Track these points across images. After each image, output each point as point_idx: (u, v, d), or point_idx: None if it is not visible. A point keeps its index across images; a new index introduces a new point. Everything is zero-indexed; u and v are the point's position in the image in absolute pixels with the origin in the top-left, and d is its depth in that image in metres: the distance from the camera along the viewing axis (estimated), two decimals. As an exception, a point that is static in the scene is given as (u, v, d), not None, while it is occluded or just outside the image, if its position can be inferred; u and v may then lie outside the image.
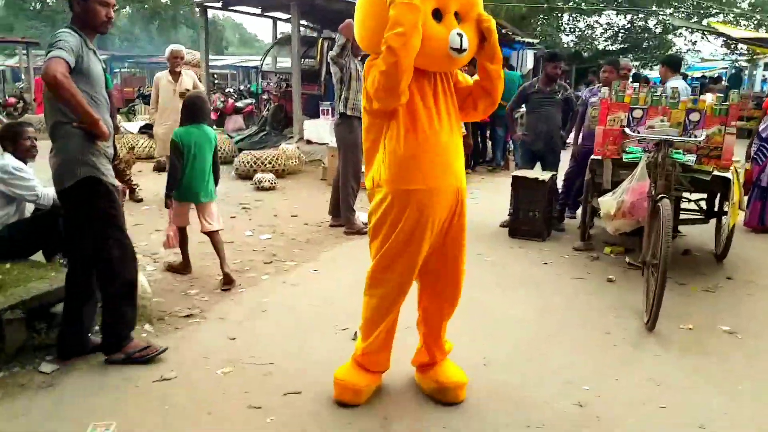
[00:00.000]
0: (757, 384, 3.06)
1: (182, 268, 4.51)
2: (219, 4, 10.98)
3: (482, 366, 3.11)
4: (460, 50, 2.36)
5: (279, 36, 13.40)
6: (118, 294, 3.04)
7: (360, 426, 2.57)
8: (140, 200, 6.80)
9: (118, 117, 7.38)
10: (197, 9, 11.42)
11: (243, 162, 8.38)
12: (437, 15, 2.36)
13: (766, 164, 5.78)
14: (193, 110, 4.33)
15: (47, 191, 3.68)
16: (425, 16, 2.30)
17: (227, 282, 4.19)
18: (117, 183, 3.11)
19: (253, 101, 14.75)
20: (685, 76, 10.54)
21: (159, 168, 8.79)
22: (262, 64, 14.26)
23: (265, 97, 14.18)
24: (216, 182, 4.45)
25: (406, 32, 2.21)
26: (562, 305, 4.08)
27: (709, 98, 4.66)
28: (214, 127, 5.24)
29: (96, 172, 2.90)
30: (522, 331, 3.63)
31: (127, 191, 6.75)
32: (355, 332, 3.17)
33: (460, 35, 2.35)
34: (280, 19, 12.84)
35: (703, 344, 3.52)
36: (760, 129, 5.97)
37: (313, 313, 3.79)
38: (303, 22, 11.74)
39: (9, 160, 3.65)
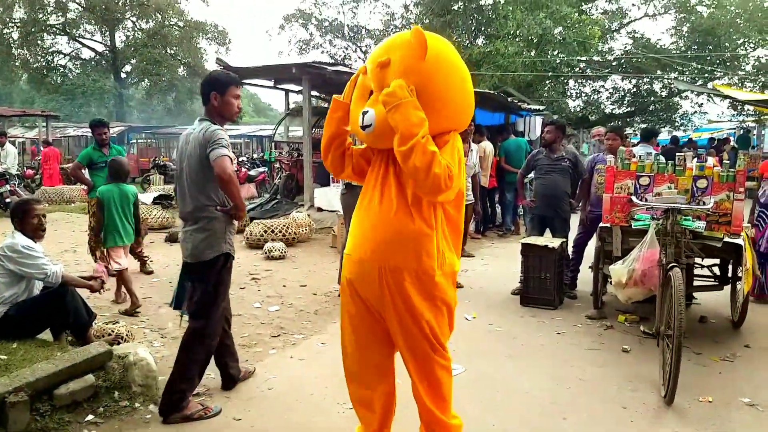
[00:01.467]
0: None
1: (133, 308, 5.26)
2: (232, 78, 11.33)
3: (494, 446, 3.01)
4: (363, 127, 2.40)
5: (291, 106, 13.76)
6: (200, 360, 3.38)
7: None
8: (150, 272, 6.82)
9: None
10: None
11: (253, 231, 8.44)
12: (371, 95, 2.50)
13: (767, 230, 5.66)
14: (114, 172, 5.55)
15: (56, 269, 3.71)
16: (357, 98, 2.53)
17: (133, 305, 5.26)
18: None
19: (266, 170, 15.02)
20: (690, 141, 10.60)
21: (171, 239, 8.88)
22: (274, 134, 14.59)
23: (277, 166, 14.43)
24: (137, 232, 5.69)
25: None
26: (575, 377, 3.97)
27: (710, 161, 4.68)
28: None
29: (231, 250, 3.43)
30: (533, 404, 3.53)
31: (138, 263, 6.86)
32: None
33: (364, 113, 2.39)
34: (292, 91, 13.21)
35: (723, 418, 3.39)
36: (759, 194, 5.94)
37: (320, 389, 3.72)
38: (314, 93, 12.05)
39: (19, 239, 3.70)
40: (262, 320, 5.14)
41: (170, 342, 4.56)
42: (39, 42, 33.02)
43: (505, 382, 3.86)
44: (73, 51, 35.54)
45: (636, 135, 22.08)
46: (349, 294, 2.61)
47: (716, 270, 5.31)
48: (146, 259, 6.92)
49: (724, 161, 4.95)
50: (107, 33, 34.70)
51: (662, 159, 5.06)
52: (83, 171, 6.59)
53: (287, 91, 13.29)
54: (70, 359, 3.33)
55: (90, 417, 3.22)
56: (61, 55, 35.33)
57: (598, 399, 3.64)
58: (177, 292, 3.55)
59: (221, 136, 3.23)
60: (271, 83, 12.16)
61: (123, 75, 36.57)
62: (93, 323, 3.97)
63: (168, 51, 34.46)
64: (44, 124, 19.96)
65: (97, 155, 6.48)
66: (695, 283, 5.29)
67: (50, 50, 34.57)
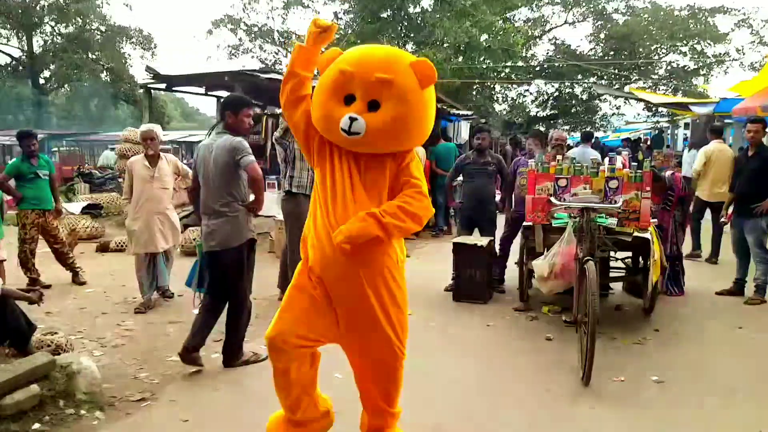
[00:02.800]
0: (681, 429, 3.31)
1: None
2: (163, 86, 11.21)
3: (434, 430, 3.25)
4: (349, 132, 2.48)
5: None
6: (245, 321, 4.24)
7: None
8: (83, 283, 6.71)
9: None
10: (140, 90, 11.60)
11: (189, 239, 8.41)
12: (349, 99, 2.54)
13: (668, 235, 6.07)
14: None
15: (-6, 282, 3.70)
16: (331, 95, 2.54)
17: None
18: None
19: (198, 176, 14.82)
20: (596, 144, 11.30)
21: (102, 248, 8.72)
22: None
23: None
24: None
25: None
26: (505, 366, 4.30)
27: (618, 162, 5.14)
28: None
29: (254, 235, 4.23)
30: (466, 392, 3.81)
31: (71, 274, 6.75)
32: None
33: (353, 119, 2.46)
34: (224, 97, 13.13)
35: (634, 394, 3.78)
36: None
37: (265, 388, 3.85)
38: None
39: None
40: (203, 326, 5.20)
41: (110, 351, 4.58)
42: (-50, 47, 31.24)
43: (440, 373, 4.12)
44: (-13, 56, 33.77)
45: (573, 136, 23.17)
46: (310, 280, 2.65)
47: (629, 262, 5.79)
48: (79, 270, 6.81)
49: (641, 159, 5.37)
50: (24, 38, 33.11)
51: (578, 162, 5.49)
52: (10, 182, 6.43)
53: (218, 98, 13.21)
54: (13, 370, 3.35)
55: (36, 426, 3.25)
56: (-26, 61, 33.51)
57: (524, 384, 3.96)
58: (199, 274, 4.36)
59: (247, 146, 4.05)
60: (202, 90, 12.09)
61: (41, 81, 34.98)
62: (33, 334, 3.96)
63: (90, 56, 33.24)
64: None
65: (26, 167, 6.35)
66: (611, 274, 5.75)
67: (-38, 55, 32.74)
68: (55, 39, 33.40)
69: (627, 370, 4.16)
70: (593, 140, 7.16)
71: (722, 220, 6.69)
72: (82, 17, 32.35)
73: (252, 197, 4.27)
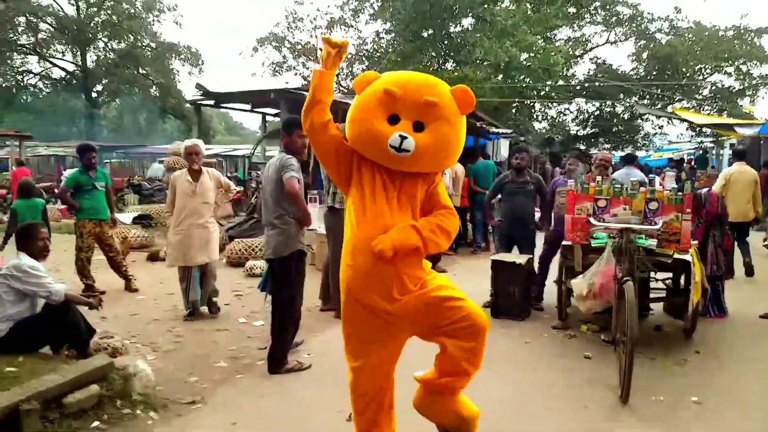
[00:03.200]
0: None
1: None
2: (211, 102, 11.64)
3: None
4: (399, 149, 2.61)
5: (267, 128, 14.06)
6: (290, 329, 4.51)
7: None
8: (135, 290, 7.02)
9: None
10: (190, 106, 12.07)
11: (234, 250, 8.69)
12: (394, 119, 2.68)
13: (707, 254, 6.02)
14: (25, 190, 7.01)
15: (59, 287, 3.96)
16: (375, 114, 2.66)
17: None
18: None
19: (241, 188, 15.24)
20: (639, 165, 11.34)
21: (152, 258, 9.06)
22: (252, 155, 14.88)
23: (254, 185, 14.67)
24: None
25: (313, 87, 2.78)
26: (542, 382, 4.35)
27: (657, 183, 5.18)
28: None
29: (303, 247, 4.55)
30: (506, 409, 3.88)
31: (124, 282, 7.06)
32: (350, 414, 3.39)
33: (403, 137, 2.59)
34: (268, 114, 13.54)
35: (673, 415, 3.80)
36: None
37: (310, 396, 4.02)
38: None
39: (24, 260, 3.95)
40: (248, 334, 5.41)
41: (162, 355, 4.81)
42: (9, 61, 32.80)
43: (478, 389, 4.17)
44: (43, 70, 35.38)
45: (615, 155, 22.97)
46: (354, 306, 2.77)
47: (669, 283, 5.78)
48: (131, 277, 7.12)
49: (684, 179, 5.42)
50: (78, 53, 34.60)
51: (618, 183, 5.53)
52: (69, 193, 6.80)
53: (264, 114, 13.61)
54: (75, 370, 3.58)
55: (96, 423, 3.46)
56: (31, 75, 35.10)
57: (562, 400, 4.02)
58: (264, 278, 4.80)
59: (292, 163, 4.44)
60: (248, 107, 12.49)
61: (94, 95, 36.43)
62: (92, 338, 4.21)
63: (140, 71, 34.51)
64: (16, 143, 19.80)
65: (84, 179, 6.71)
66: (651, 295, 5.74)
67: (20, 69, 34.34)
68: (107, 54, 34.83)
69: (666, 390, 4.17)
70: (635, 161, 7.28)
71: (765, 243, 6.61)
72: (134, 34, 33.71)
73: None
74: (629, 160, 7.21)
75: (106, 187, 6.91)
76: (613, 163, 7.58)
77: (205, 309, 6.03)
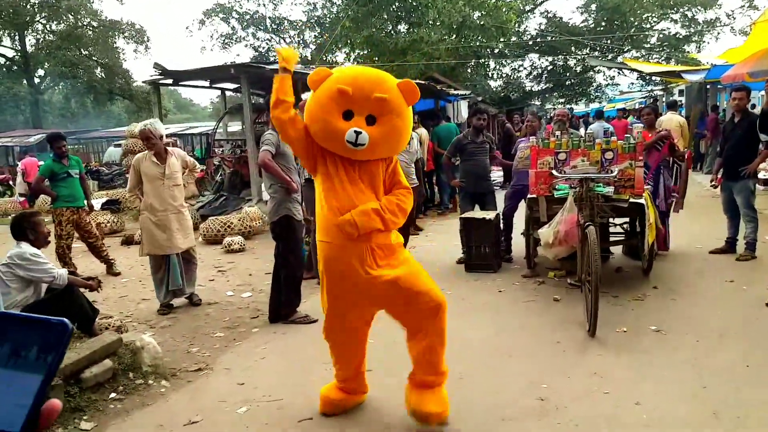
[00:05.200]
0: (676, 370, 3.79)
1: None
2: (170, 81, 11.57)
3: (459, 380, 3.72)
4: (355, 144, 2.95)
5: (227, 103, 14.03)
6: (293, 285, 5.07)
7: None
8: (118, 274, 7.17)
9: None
10: (148, 86, 11.97)
11: (210, 228, 8.86)
12: (348, 115, 3.01)
13: (659, 191, 6.50)
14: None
15: (62, 272, 4.15)
16: (331, 111, 2.98)
17: None
18: (300, 218, 5.16)
19: (204, 167, 15.22)
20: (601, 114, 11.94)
21: (127, 242, 9.16)
22: (214, 132, 14.85)
23: (216, 162, 14.67)
24: None
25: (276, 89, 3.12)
26: (516, 324, 4.77)
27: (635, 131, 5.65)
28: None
29: (289, 213, 4.98)
30: (485, 349, 4.29)
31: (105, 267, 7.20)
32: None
33: (358, 132, 2.93)
34: (228, 89, 13.50)
35: (635, 342, 4.25)
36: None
37: (307, 354, 4.33)
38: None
39: (25, 248, 4.12)
40: (238, 306, 5.67)
41: (160, 330, 5.05)
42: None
43: (458, 334, 4.56)
44: (-19, 57, 33.90)
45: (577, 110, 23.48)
46: (332, 277, 3.17)
47: (627, 227, 6.25)
48: (112, 261, 7.26)
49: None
50: (16, 36, 33.20)
51: (577, 135, 5.92)
52: (45, 183, 6.86)
53: (223, 90, 13.57)
54: (89, 347, 3.81)
55: (113, 395, 3.72)
56: (-32, 63, 33.65)
57: (536, 339, 4.43)
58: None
59: (268, 138, 4.89)
60: (207, 83, 12.44)
61: (36, 80, 35.13)
62: (96, 317, 4.42)
63: (83, 52, 33.35)
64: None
65: (58, 167, 6.77)
66: (610, 238, 6.20)
67: (-45, 58, 32.88)
68: (47, 37, 33.47)
69: (628, 322, 4.63)
70: (603, 115, 8.21)
71: (712, 183, 7.14)
72: (74, 13, 32.40)
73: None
74: (599, 116, 7.96)
75: (80, 174, 6.99)
76: (569, 117, 8.00)
77: (183, 300, 5.76)
